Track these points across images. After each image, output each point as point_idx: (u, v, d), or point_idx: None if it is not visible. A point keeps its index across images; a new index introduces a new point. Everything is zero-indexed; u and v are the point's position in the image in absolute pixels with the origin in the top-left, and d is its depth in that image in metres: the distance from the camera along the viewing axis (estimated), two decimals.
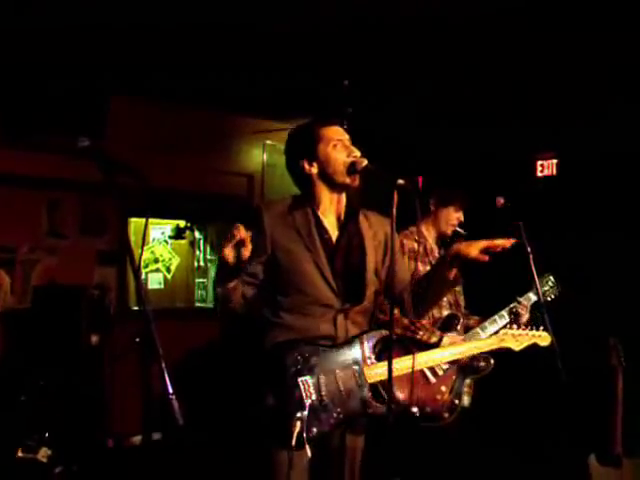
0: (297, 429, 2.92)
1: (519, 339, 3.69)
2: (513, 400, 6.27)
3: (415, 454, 3.80)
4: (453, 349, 3.52)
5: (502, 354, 3.75)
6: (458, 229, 4.35)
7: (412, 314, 3.38)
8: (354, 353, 3.11)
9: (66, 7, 4.72)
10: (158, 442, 5.91)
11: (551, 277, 4.32)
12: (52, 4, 4.68)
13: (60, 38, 5.27)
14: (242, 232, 2.81)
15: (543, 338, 3.77)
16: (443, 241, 4.40)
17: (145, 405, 3.45)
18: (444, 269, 3.16)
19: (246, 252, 2.84)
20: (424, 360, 3.37)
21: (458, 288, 4.37)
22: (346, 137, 3.23)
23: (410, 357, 3.24)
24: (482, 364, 4.03)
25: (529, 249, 3.74)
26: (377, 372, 3.10)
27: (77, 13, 4.82)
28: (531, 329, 3.78)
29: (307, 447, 2.92)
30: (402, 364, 3.19)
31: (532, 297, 4.18)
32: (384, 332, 3.19)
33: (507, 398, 6.08)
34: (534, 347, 3.60)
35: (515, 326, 3.73)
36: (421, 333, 3.97)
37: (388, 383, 2.86)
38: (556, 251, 5.21)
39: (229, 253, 2.86)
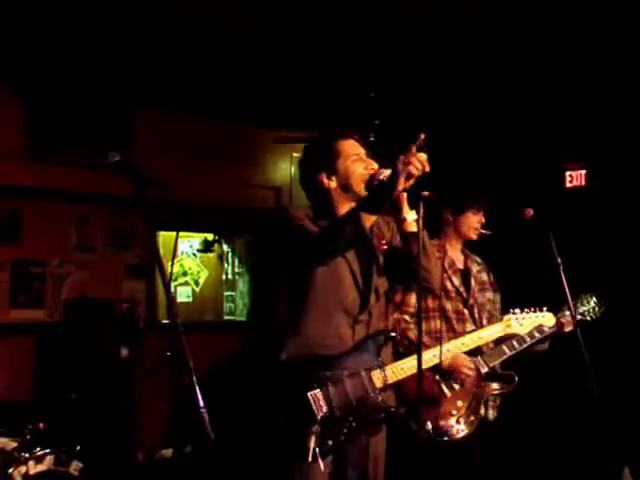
0: (312, 444, 2.91)
1: (523, 323, 3.68)
2: (542, 411, 6.20)
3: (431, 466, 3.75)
4: (456, 341, 3.49)
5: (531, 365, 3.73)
6: (483, 231, 4.30)
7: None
8: (363, 359, 3.10)
9: (93, 24, 4.77)
10: (188, 455, 5.91)
11: (593, 297, 4.17)
12: (79, 22, 4.74)
13: (87, 54, 5.32)
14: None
15: (547, 319, 3.76)
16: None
17: (175, 418, 3.45)
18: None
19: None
20: (429, 357, 3.30)
21: (490, 295, 4.32)
22: (363, 150, 3.24)
23: (426, 353, 3.24)
24: (504, 381, 3.98)
25: (559, 260, 3.71)
26: (391, 373, 3.10)
27: (104, 29, 4.88)
28: (534, 311, 3.76)
29: (320, 461, 2.92)
30: (410, 363, 3.15)
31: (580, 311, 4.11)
32: (388, 334, 3.19)
33: (535, 409, 6.02)
34: (564, 357, 3.57)
35: (518, 309, 3.71)
36: (427, 341, 3.90)
37: (418, 385, 2.84)
38: (585, 263, 5.16)
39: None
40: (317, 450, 2.91)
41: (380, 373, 3.09)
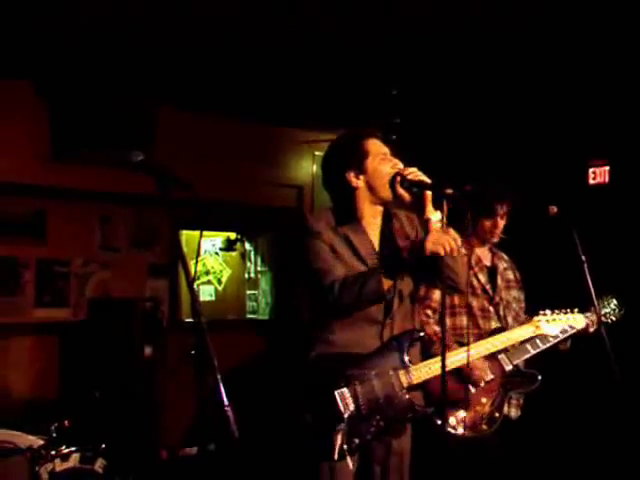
0: (338, 442, 2.91)
1: (553, 324, 3.63)
2: (565, 411, 6.15)
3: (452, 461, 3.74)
4: (485, 343, 3.48)
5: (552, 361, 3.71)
6: (502, 236, 4.26)
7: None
8: (390, 358, 3.11)
9: (114, 24, 4.80)
10: (212, 453, 5.93)
11: (614, 299, 4.12)
12: (100, 22, 4.77)
13: (109, 53, 5.36)
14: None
15: (578, 320, 3.71)
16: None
17: (199, 416, 3.47)
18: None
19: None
20: (458, 358, 3.32)
21: (516, 294, 4.30)
22: (387, 150, 3.24)
23: (454, 354, 3.26)
24: (528, 379, 3.96)
25: (583, 257, 3.68)
26: (419, 372, 3.10)
27: (125, 28, 4.90)
28: (565, 312, 3.72)
29: (349, 459, 2.92)
30: (437, 364, 3.14)
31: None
32: (416, 333, 3.18)
33: (559, 408, 5.97)
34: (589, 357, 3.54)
35: (548, 311, 3.67)
36: (436, 347, 3.88)
37: (442, 382, 2.84)
38: (609, 261, 5.11)
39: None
40: (344, 448, 2.91)
41: (407, 373, 3.09)
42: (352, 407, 2.99)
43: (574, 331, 3.88)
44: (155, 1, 4.49)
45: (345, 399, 3.00)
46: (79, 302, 6.51)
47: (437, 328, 3.97)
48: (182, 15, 4.66)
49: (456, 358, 3.30)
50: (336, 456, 2.91)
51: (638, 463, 4.25)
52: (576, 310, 3.83)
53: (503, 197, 4.19)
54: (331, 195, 3.31)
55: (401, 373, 3.09)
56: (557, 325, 3.68)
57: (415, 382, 3.10)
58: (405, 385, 3.08)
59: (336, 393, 3.00)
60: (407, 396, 3.08)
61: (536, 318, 3.66)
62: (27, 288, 6.29)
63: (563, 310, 3.76)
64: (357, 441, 2.98)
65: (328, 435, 2.94)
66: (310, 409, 3.00)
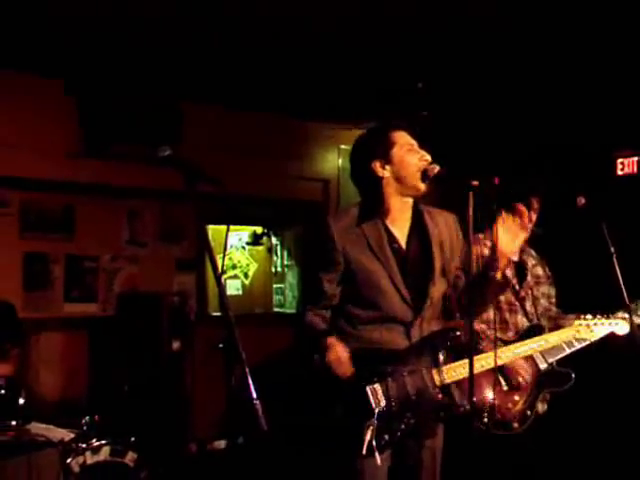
0: (368, 437, 2.91)
1: (594, 329, 3.57)
2: (595, 407, 6.10)
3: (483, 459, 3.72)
4: (522, 346, 3.45)
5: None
6: (535, 229, 4.22)
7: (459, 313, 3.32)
8: (423, 357, 3.10)
9: (142, 22, 4.83)
10: (241, 447, 5.96)
11: None
12: (128, 20, 4.80)
13: (136, 51, 5.39)
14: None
15: (621, 326, 3.63)
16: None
17: (228, 410, 3.48)
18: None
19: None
20: (490, 361, 3.30)
21: (545, 290, 4.27)
22: (415, 142, 3.21)
23: (485, 355, 3.22)
24: (562, 378, 3.92)
25: (612, 249, 3.64)
26: (453, 372, 3.09)
27: (154, 26, 4.93)
28: (607, 317, 3.65)
29: (377, 455, 2.91)
30: (476, 363, 3.13)
31: None
32: (452, 333, 3.16)
33: (589, 406, 5.92)
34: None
35: (590, 315, 3.61)
36: (484, 344, 3.86)
37: (469, 384, 2.83)
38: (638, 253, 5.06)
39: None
40: (374, 444, 2.91)
41: (439, 372, 3.08)
42: (383, 403, 2.98)
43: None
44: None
45: (377, 395, 2.99)
46: (107, 297, 6.56)
47: (482, 325, 3.95)
48: (210, 13, 4.68)
49: (489, 360, 3.25)
50: (365, 451, 2.90)
51: None
52: (619, 315, 3.75)
53: (539, 190, 4.16)
54: (358, 188, 3.29)
55: (434, 372, 3.08)
56: (598, 331, 3.60)
57: (447, 381, 3.08)
58: (438, 384, 3.07)
59: (368, 388, 3.00)
60: (439, 395, 3.07)
61: (577, 322, 3.59)
62: (56, 283, 6.35)
63: (605, 315, 3.68)
64: (387, 437, 2.97)
65: (358, 430, 2.93)
66: (341, 403, 3.00)
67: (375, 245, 3.12)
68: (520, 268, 4.22)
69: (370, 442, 2.91)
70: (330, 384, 3.04)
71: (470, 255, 3.03)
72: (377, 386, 3.01)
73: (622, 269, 3.62)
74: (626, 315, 3.76)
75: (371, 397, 2.99)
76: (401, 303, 3.10)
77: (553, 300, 4.27)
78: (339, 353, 2.99)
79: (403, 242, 3.18)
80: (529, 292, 4.18)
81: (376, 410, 2.96)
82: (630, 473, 5.09)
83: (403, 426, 3.01)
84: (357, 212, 3.20)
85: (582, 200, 3.73)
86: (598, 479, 5.30)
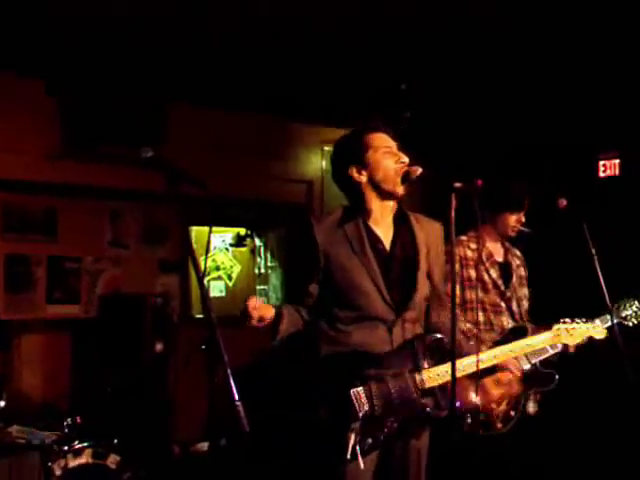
0: (352, 442, 2.91)
1: (573, 333, 3.60)
2: (578, 408, 6.13)
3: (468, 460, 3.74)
4: (504, 348, 3.47)
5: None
6: (522, 228, 4.24)
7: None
8: (406, 360, 3.10)
9: (125, 22, 4.81)
10: (224, 449, 5.95)
11: (636, 301, 4.08)
12: (110, 21, 4.78)
13: (119, 51, 5.37)
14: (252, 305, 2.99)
15: (598, 332, 3.68)
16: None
17: (210, 412, 3.48)
18: None
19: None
20: (469, 363, 3.30)
21: (526, 291, 4.29)
22: (393, 143, 3.21)
23: (467, 359, 3.21)
24: (545, 378, 3.95)
25: (593, 251, 3.66)
26: (436, 375, 3.09)
27: (136, 26, 4.91)
28: (585, 322, 3.69)
29: (360, 459, 2.91)
30: (458, 366, 3.14)
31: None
32: (436, 336, 3.17)
33: (573, 406, 5.95)
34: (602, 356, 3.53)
35: (568, 319, 3.65)
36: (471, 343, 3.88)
37: (452, 386, 2.84)
38: (620, 254, 5.08)
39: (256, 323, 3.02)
40: (357, 448, 2.91)
41: (422, 376, 3.08)
42: (367, 407, 2.98)
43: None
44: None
45: (360, 398, 2.99)
46: (90, 299, 6.52)
47: (468, 325, 3.96)
48: (194, 13, 4.67)
49: (469, 362, 3.25)
50: (349, 455, 2.90)
51: None
52: (598, 321, 3.80)
53: (530, 191, 4.19)
54: (342, 191, 3.31)
55: (417, 375, 3.08)
56: (577, 336, 3.63)
57: (427, 386, 3.08)
58: (421, 387, 3.07)
59: (351, 392, 2.99)
60: (422, 399, 3.07)
61: (556, 326, 3.63)
62: (39, 285, 6.31)
63: (583, 319, 3.71)
64: (370, 441, 2.97)
65: (341, 434, 2.93)
66: (324, 407, 2.99)
67: (357, 245, 3.12)
68: (504, 269, 4.24)
69: (354, 446, 2.91)
70: (314, 387, 3.04)
71: (453, 258, 3.04)
72: (361, 390, 3.00)
73: (603, 270, 3.65)
74: (601, 323, 3.81)
75: (355, 401, 2.98)
76: (382, 303, 3.10)
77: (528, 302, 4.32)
78: (254, 301, 3.04)
79: (387, 243, 3.19)
80: (514, 293, 4.21)
81: (360, 414, 2.96)
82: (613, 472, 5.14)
83: (386, 430, 3.01)
84: (341, 213, 3.21)
85: (563, 202, 3.76)
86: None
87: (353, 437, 2.91)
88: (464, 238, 4.18)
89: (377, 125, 3.26)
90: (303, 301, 3.19)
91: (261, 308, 3.02)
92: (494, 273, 4.19)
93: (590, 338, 3.66)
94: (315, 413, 2.99)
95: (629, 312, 4.05)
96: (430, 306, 3.29)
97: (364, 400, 2.99)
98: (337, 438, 2.94)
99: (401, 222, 3.25)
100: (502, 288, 4.17)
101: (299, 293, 3.19)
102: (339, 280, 3.11)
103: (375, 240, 3.17)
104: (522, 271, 4.34)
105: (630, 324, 4.02)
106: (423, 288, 3.21)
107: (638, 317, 4.06)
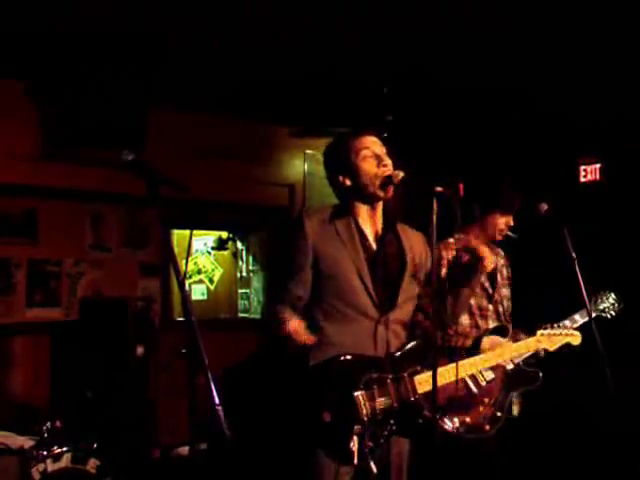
0: (356, 445, 2.92)
1: (553, 339, 3.68)
2: (559, 407, 6.16)
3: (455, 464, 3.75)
4: (492, 354, 3.49)
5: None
6: (509, 233, 4.23)
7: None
8: (405, 364, 3.13)
9: (106, 23, 4.80)
10: (204, 453, 5.93)
11: (612, 294, 4.15)
12: (92, 21, 4.76)
13: (99, 53, 5.35)
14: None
15: (575, 337, 3.75)
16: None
17: (191, 416, 3.47)
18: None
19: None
20: (463, 368, 3.33)
21: (508, 292, 4.30)
22: (377, 147, 3.22)
23: (453, 365, 3.23)
24: (529, 377, 3.97)
25: (574, 255, 3.69)
26: (421, 380, 3.11)
27: (118, 28, 4.90)
28: (564, 328, 3.77)
29: (372, 462, 2.92)
30: (444, 373, 3.19)
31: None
32: (422, 345, 3.19)
33: (554, 410, 5.97)
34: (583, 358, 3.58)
35: (549, 325, 3.70)
36: (454, 339, 3.92)
37: (432, 391, 2.85)
38: (600, 258, 5.12)
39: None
40: (360, 452, 2.91)
41: (420, 379, 3.11)
42: (369, 410, 3.00)
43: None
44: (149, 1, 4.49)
45: (363, 401, 3.00)
46: (71, 302, 6.49)
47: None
48: (175, 14, 4.66)
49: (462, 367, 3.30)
50: (355, 460, 2.91)
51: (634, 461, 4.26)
52: (576, 316, 3.90)
53: (521, 194, 4.20)
54: (335, 194, 3.34)
55: (416, 379, 3.11)
56: (556, 342, 3.71)
57: (422, 390, 3.10)
58: (418, 391, 3.10)
59: (355, 395, 3.00)
60: (421, 402, 3.09)
61: (539, 332, 3.70)
62: (18, 288, 6.27)
63: (562, 326, 3.80)
64: (371, 444, 2.98)
65: (344, 438, 2.93)
66: (328, 409, 2.98)
67: (346, 240, 3.15)
68: (492, 271, 4.23)
69: (359, 450, 2.91)
70: (314, 391, 3.04)
71: (436, 263, 3.05)
72: (364, 393, 3.02)
73: (584, 275, 3.69)
74: (580, 317, 3.88)
75: (358, 404, 2.99)
76: (368, 299, 3.11)
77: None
78: (296, 323, 3.01)
79: (374, 243, 3.22)
80: (501, 294, 4.22)
81: (363, 417, 2.97)
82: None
83: (386, 432, 3.04)
84: (332, 210, 3.24)
85: (544, 207, 3.78)
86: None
87: (355, 440, 2.92)
88: (451, 241, 4.18)
89: (362, 130, 3.28)
90: (293, 303, 3.16)
91: (300, 326, 3.04)
92: (482, 276, 4.18)
93: (567, 344, 3.73)
94: (320, 415, 2.98)
95: (606, 304, 4.12)
96: (416, 309, 3.31)
97: (367, 404, 3.00)
98: (340, 442, 2.94)
99: (388, 228, 3.28)
100: (490, 291, 4.17)
101: (287, 294, 3.16)
102: (326, 270, 3.11)
103: (364, 238, 3.19)
104: (505, 271, 4.34)
105: (608, 316, 4.09)
106: (408, 289, 3.23)
107: (615, 309, 4.13)
